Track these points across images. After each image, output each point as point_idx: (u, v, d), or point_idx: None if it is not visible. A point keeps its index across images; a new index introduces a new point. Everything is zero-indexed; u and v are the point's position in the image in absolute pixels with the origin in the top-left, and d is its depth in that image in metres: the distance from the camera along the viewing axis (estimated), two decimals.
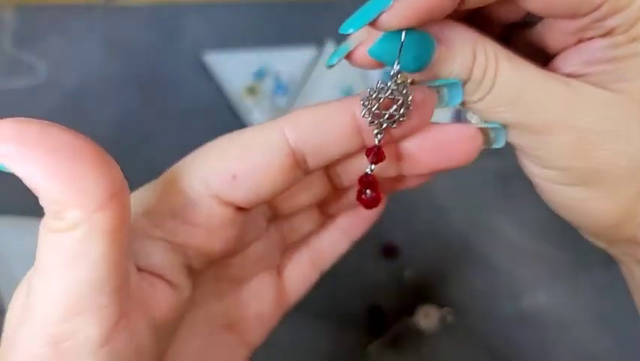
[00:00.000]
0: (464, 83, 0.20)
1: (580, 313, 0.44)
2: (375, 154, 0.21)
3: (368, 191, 0.22)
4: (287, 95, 0.55)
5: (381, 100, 0.20)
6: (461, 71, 0.20)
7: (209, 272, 0.23)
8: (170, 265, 0.21)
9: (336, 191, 0.25)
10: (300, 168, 0.21)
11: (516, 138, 0.21)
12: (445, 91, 0.20)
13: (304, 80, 0.55)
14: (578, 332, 0.44)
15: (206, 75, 0.56)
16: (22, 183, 0.45)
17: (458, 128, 0.21)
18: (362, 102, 0.20)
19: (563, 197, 0.21)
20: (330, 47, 0.56)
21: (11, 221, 0.49)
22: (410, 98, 0.20)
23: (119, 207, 0.16)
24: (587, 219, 0.22)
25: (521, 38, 0.23)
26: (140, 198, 0.21)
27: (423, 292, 0.45)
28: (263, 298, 0.26)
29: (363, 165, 0.22)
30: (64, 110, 0.55)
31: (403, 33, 0.19)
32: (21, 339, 0.17)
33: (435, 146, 0.21)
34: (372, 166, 0.21)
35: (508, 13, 0.22)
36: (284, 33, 0.59)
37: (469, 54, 0.19)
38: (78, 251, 0.16)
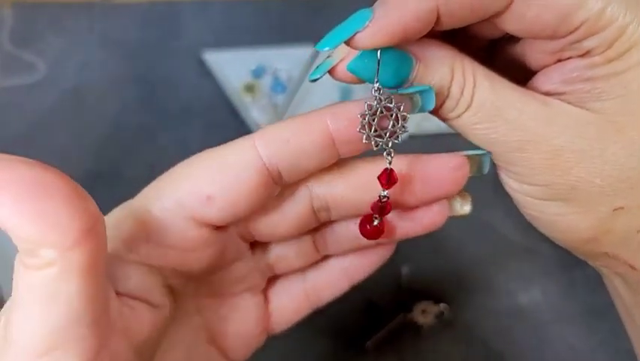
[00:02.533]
0: (443, 100, 0.20)
1: (574, 308, 0.44)
2: (389, 177, 0.21)
3: (375, 221, 0.22)
4: (285, 93, 0.55)
5: (375, 120, 0.20)
6: (439, 88, 0.20)
7: (189, 288, 0.23)
8: (149, 287, 0.21)
9: (327, 226, 0.25)
10: (275, 182, 0.21)
11: (494, 154, 0.21)
12: (418, 97, 0.20)
13: (302, 78, 0.56)
14: (572, 327, 0.44)
15: (205, 73, 0.56)
16: None
17: (446, 158, 0.22)
18: (359, 130, 0.20)
19: (540, 212, 0.22)
20: (330, 49, 0.56)
21: None
22: (402, 108, 0.20)
23: (94, 242, 0.16)
24: (563, 233, 0.22)
25: (504, 53, 0.23)
26: (114, 222, 0.21)
27: (420, 289, 0.45)
28: (243, 319, 0.25)
29: (352, 196, 0.22)
30: (63, 108, 0.55)
31: (379, 51, 0.19)
32: None
33: (423, 177, 0.22)
34: (385, 192, 0.21)
35: (488, 31, 0.22)
36: (282, 31, 0.59)
37: (446, 72, 0.20)
38: (53, 288, 0.16)
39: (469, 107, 0.20)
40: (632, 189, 0.20)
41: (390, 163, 0.21)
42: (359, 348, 0.44)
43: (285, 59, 0.57)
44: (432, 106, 0.20)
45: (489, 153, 0.21)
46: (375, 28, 0.18)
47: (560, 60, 0.21)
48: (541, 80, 0.21)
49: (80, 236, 0.15)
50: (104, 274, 0.17)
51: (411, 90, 0.20)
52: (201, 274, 0.23)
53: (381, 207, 0.22)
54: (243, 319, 0.25)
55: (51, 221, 0.15)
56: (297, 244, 0.25)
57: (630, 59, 0.19)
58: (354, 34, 0.19)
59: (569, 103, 0.20)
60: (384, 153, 0.21)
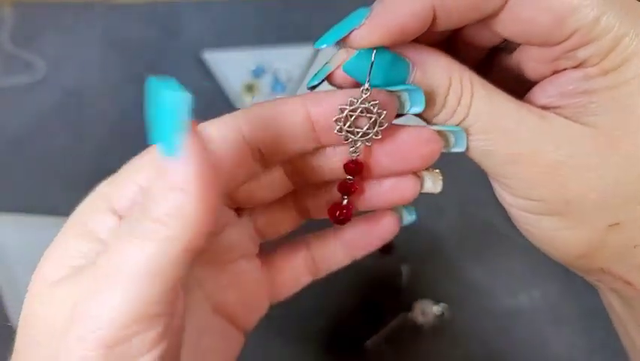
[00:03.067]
0: (439, 109, 0.20)
1: (573, 308, 0.44)
2: (355, 167, 0.21)
3: (344, 201, 0.23)
4: (285, 93, 0.55)
5: (353, 117, 0.20)
6: (436, 97, 0.20)
7: None
8: None
9: (311, 190, 0.25)
10: (257, 160, 0.21)
11: (489, 166, 0.21)
12: (406, 96, 0.20)
13: (302, 78, 0.56)
14: (571, 327, 0.44)
15: (205, 73, 0.56)
16: (22, 184, 0.45)
17: (416, 131, 0.21)
18: (335, 120, 0.20)
19: (535, 227, 0.22)
20: (327, 46, 0.56)
21: (10, 218, 0.50)
22: (383, 116, 0.20)
23: (207, 232, 0.17)
24: (557, 248, 0.22)
25: (500, 67, 0.23)
26: (106, 191, 0.21)
27: (419, 288, 0.45)
28: (243, 285, 0.26)
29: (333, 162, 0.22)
30: (63, 107, 0.55)
31: (373, 51, 0.19)
32: (71, 339, 0.17)
33: (393, 149, 0.22)
34: (352, 179, 0.22)
35: (485, 39, 0.22)
36: (282, 31, 0.59)
37: (444, 80, 0.20)
38: (162, 265, 0.16)
39: (465, 116, 0.20)
40: (627, 205, 0.20)
41: (355, 155, 0.21)
42: (359, 347, 0.44)
43: (285, 59, 0.57)
44: (421, 107, 0.20)
45: (462, 129, 0.21)
46: (371, 26, 0.19)
47: (555, 72, 0.21)
48: (537, 94, 0.21)
49: (212, 226, 0.16)
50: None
51: (399, 87, 0.20)
52: None
53: (348, 187, 0.22)
54: (242, 285, 0.26)
55: (210, 202, 0.16)
56: (280, 209, 0.26)
57: (626, 73, 0.19)
58: (351, 32, 0.19)
59: (565, 117, 0.20)
60: (350, 149, 0.21)
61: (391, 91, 0.20)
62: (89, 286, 0.17)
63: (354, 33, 0.19)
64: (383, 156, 0.22)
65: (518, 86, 0.22)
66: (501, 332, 0.44)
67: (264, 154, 0.21)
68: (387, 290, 0.45)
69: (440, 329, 0.44)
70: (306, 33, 0.58)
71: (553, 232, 0.21)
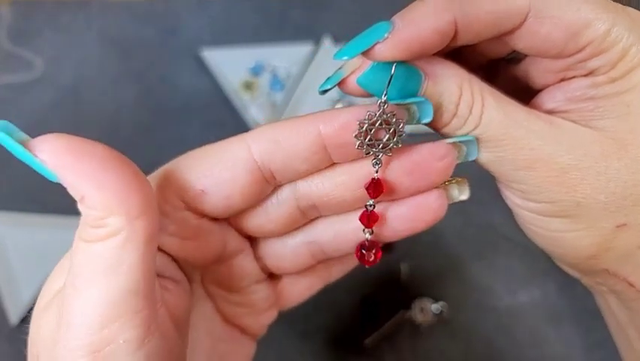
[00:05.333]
0: (450, 118, 0.20)
1: (572, 307, 0.44)
2: (376, 186, 0.21)
3: (367, 235, 0.22)
4: (283, 91, 0.55)
5: (373, 131, 0.20)
6: (447, 105, 0.20)
7: (195, 275, 0.24)
8: (166, 265, 0.22)
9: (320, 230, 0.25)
10: (268, 181, 0.21)
11: (500, 173, 0.21)
12: (415, 108, 0.20)
13: (301, 76, 0.56)
14: (571, 326, 0.44)
15: (203, 71, 0.56)
16: (19, 181, 0.45)
17: (431, 146, 0.21)
18: (354, 135, 0.20)
19: (544, 228, 0.22)
20: (326, 43, 0.56)
21: (9, 216, 0.50)
22: (401, 125, 0.20)
23: (154, 214, 0.18)
24: (565, 250, 0.22)
25: (506, 73, 0.24)
26: None
27: (418, 287, 0.45)
28: (254, 303, 0.26)
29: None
30: (61, 105, 0.55)
31: (394, 65, 0.19)
32: (58, 356, 0.17)
33: (411, 167, 0.21)
34: (372, 201, 0.21)
35: (494, 50, 0.23)
36: (281, 29, 0.59)
37: (455, 90, 0.20)
38: (116, 258, 0.17)
39: (477, 126, 0.20)
40: (634, 206, 0.21)
41: (377, 172, 0.21)
42: (358, 345, 0.44)
43: (284, 57, 0.57)
44: (429, 118, 0.20)
45: (474, 138, 0.21)
46: (395, 40, 0.19)
47: (563, 79, 0.21)
48: (544, 99, 0.22)
49: (145, 207, 0.17)
50: (156, 248, 0.18)
51: (408, 101, 0.20)
52: (204, 263, 0.23)
53: (369, 217, 0.22)
54: (252, 303, 0.26)
55: (124, 192, 0.17)
56: (291, 250, 0.25)
57: (634, 79, 0.20)
58: (374, 46, 0.19)
59: (572, 121, 0.21)
60: (372, 162, 0.21)
61: (401, 104, 0.20)
62: (64, 296, 0.18)
63: (377, 47, 0.19)
64: (402, 175, 0.22)
65: (522, 93, 0.22)
66: (500, 330, 0.44)
67: (276, 175, 0.21)
68: (387, 288, 0.46)
69: (439, 327, 0.44)
70: (304, 31, 0.58)
71: (561, 234, 0.22)
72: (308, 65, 0.56)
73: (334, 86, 0.21)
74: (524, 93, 0.22)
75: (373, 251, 0.23)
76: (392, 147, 0.20)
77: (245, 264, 0.25)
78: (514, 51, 0.22)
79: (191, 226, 0.22)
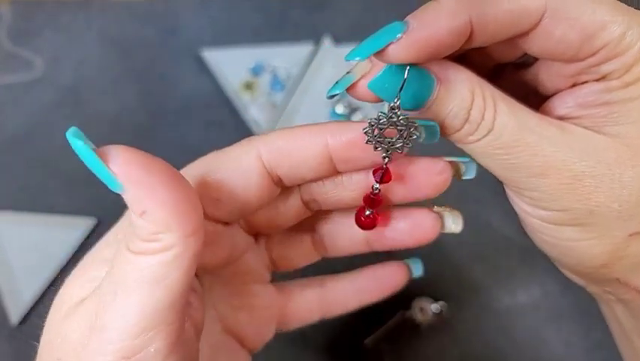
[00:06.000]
0: (462, 123, 0.20)
1: (572, 307, 0.44)
2: (384, 174, 0.21)
3: (367, 212, 0.23)
4: (284, 91, 0.55)
5: (383, 130, 0.20)
6: (459, 111, 0.20)
7: (205, 281, 0.25)
8: None
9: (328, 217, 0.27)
10: (276, 185, 0.22)
11: (512, 180, 0.21)
12: (422, 130, 0.20)
13: (301, 76, 0.56)
14: (570, 325, 0.44)
15: (204, 71, 0.56)
16: (20, 180, 0.45)
17: (428, 162, 0.22)
18: (364, 131, 0.20)
19: (555, 237, 0.22)
20: (326, 44, 0.56)
21: (9, 216, 0.50)
22: (412, 128, 0.20)
23: (202, 235, 0.18)
24: (577, 259, 0.22)
25: (513, 77, 0.23)
26: (120, 225, 0.23)
27: (418, 286, 0.45)
28: (254, 309, 0.27)
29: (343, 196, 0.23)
30: (62, 105, 0.55)
31: (407, 68, 0.19)
32: (90, 357, 0.18)
33: (408, 180, 0.22)
34: (377, 185, 0.22)
35: (504, 54, 0.22)
36: (281, 29, 0.59)
37: (467, 95, 0.20)
38: (162, 272, 0.17)
39: (490, 131, 0.20)
40: None
41: (385, 164, 0.21)
42: (358, 345, 0.44)
43: (284, 57, 0.57)
44: (435, 140, 0.20)
45: (473, 160, 0.21)
46: (409, 41, 0.18)
47: (575, 84, 0.21)
48: (555, 104, 0.21)
49: (197, 226, 0.18)
50: (196, 266, 0.19)
51: (417, 123, 0.20)
52: (216, 267, 0.24)
53: (373, 200, 0.22)
54: (253, 309, 0.27)
55: (182, 209, 0.17)
56: (297, 242, 0.27)
57: None
58: (387, 46, 0.18)
59: (585, 127, 0.20)
60: (382, 154, 0.21)
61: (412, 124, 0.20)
62: (100, 302, 0.18)
63: (391, 47, 0.18)
64: (399, 187, 0.23)
65: (530, 98, 0.22)
66: (500, 330, 0.44)
67: (284, 180, 0.22)
68: None
69: (439, 327, 0.44)
70: (304, 31, 0.58)
71: (573, 243, 0.21)
72: (308, 65, 0.56)
73: (344, 90, 0.20)
74: (532, 98, 0.22)
75: (371, 214, 0.23)
76: (402, 147, 0.20)
77: (250, 260, 0.26)
78: (524, 55, 0.22)
79: (207, 232, 0.22)
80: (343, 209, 0.25)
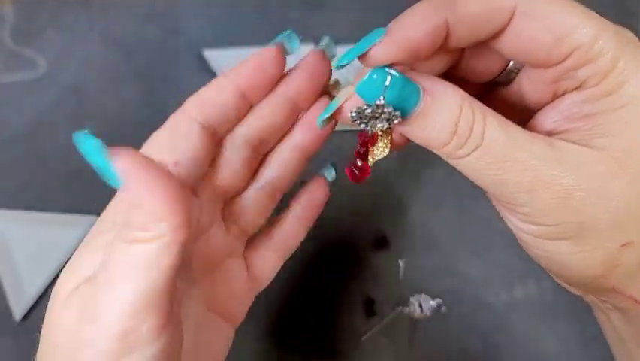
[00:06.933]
0: (450, 136, 0.20)
1: (568, 302, 0.44)
2: (372, 139, 0.23)
3: (358, 164, 0.25)
4: None
5: (369, 117, 0.21)
6: (447, 122, 0.20)
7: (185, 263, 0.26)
8: None
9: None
10: (214, 137, 0.26)
11: (502, 195, 0.21)
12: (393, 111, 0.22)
13: None
14: (566, 321, 0.44)
15: (205, 71, 0.56)
16: (22, 178, 0.46)
17: (313, 53, 0.29)
18: (351, 114, 0.22)
19: (549, 251, 0.22)
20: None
21: (12, 214, 0.50)
22: (397, 118, 0.21)
23: (191, 228, 0.20)
24: (571, 271, 0.22)
25: (499, 98, 0.24)
26: (113, 211, 0.24)
27: (416, 283, 0.46)
28: (233, 283, 0.28)
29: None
30: (63, 104, 0.55)
31: (390, 71, 0.20)
32: (86, 341, 0.19)
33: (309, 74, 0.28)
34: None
35: (486, 67, 0.23)
36: (281, 29, 0.59)
37: (455, 107, 0.20)
38: (153, 259, 0.19)
39: (478, 146, 0.20)
40: (639, 225, 0.20)
41: (374, 131, 0.22)
42: (356, 342, 0.44)
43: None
44: (414, 105, 0.21)
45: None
46: (388, 42, 0.20)
47: (556, 96, 0.21)
48: (541, 120, 0.22)
49: (187, 218, 0.19)
50: (184, 254, 0.20)
51: (399, 113, 0.21)
52: (191, 241, 0.25)
53: (364, 154, 0.24)
54: (231, 283, 0.28)
55: (173, 202, 0.19)
56: (254, 198, 0.28)
57: (627, 93, 0.19)
58: (369, 49, 0.20)
59: (572, 142, 0.20)
60: (370, 130, 0.22)
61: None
62: (97, 287, 0.20)
63: (372, 50, 0.20)
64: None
65: (517, 116, 0.22)
66: (497, 325, 0.45)
67: (217, 129, 0.26)
68: (384, 285, 0.46)
69: (436, 323, 0.44)
70: (305, 31, 0.58)
71: (566, 256, 0.21)
72: None
73: (332, 114, 0.23)
74: (519, 117, 0.22)
75: (360, 167, 0.25)
76: (387, 125, 0.21)
77: (219, 235, 0.27)
78: (504, 70, 0.23)
79: None
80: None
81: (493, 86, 0.24)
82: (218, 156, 0.27)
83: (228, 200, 0.28)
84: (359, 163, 0.25)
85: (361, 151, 0.24)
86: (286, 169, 0.28)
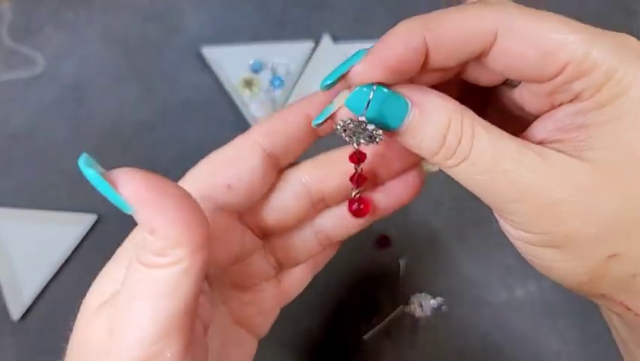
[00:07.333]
0: (439, 148, 0.21)
1: (569, 301, 0.44)
2: (357, 155, 0.24)
3: (355, 194, 0.25)
4: (283, 88, 0.55)
5: (353, 131, 0.22)
6: (435, 134, 0.20)
7: (215, 278, 0.26)
8: None
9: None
10: (275, 167, 0.25)
11: (492, 203, 0.22)
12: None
13: (300, 74, 0.56)
14: (567, 320, 0.44)
15: (204, 68, 0.56)
16: (21, 177, 0.46)
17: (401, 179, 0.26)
18: (335, 125, 0.22)
19: (537, 257, 0.22)
20: (326, 42, 0.56)
21: (11, 212, 0.50)
22: (379, 136, 0.21)
23: (208, 249, 0.19)
24: (558, 278, 0.22)
25: (503, 101, 0.24)
26: None
27: (417, 282, 0.46)
28: (263, 301, 0.28)
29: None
30: (62, 102, 0.55)
31: (373, 87, 0.20)
32: (114, 358, 0.19)
33: (393, 152, 0.25)
34: (359, 167, 0.24)
35: (487, 77, 0.23)
36: (281, 26, 0.59)
37: (444, 119, 0.20)
38: (174, 284, 0.18)
39: (466, 158, 0.20)
40: (626, 238, 0.20)
41: (357, 146, 0.23)
42: (357, 340, 0.44)
43: (284, 54, 0.57)
44: (399, 122, 0.21)
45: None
46: (368, 61, 0.20)
47: (553, 107, 0.21)
48: (537, 128, 0.22)
49: (204, 241, 0.19)
50: (204, 275, 0.20)
51: (381, 133, 0.21)
52: (225, 264, 0.25)
53: (358, 177, 0.25)
54: (262, 302, 0.28)
55: (190, 228, 0.18)
56: (302, 241, 0.28)
57: (622, 106, 0.19)
58: (350, 69, 0.20)
59: (565, 153, 0.20)
60: (353, 143, 0.23)
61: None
62: (118, 310, 0.19)
63: (352, 70, 0.20)
64: (388, 159, 0.26)
65: (518, 121, 0.22)
66: (497, 325, 0.45)
67: (280, 159, 0.25)
68: (385, 284, 0.46)
69: (437, 322, 0.44)
70: (304, 29, 0.58)
71: (554, 263, 0.22)
72: (307, 62, 0.56)
73: (326, 119, 0.23)
74: (520, 122, 0.22)
75: (361, 206, 0.26)
76: (370, 141, 0.22)
77: (258, 262, 0.27)
78: (507, 80, 0.23)
79: (219, 224, 0.24)
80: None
81: (499, 87, 0.24)
82: (275, 188, 0.26)
83: (276, 233, 0.27)
84: (354, 194, 0.25)
85: (358, 175, 0.25)
86: (346, 228, 0.28)
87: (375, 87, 0.20)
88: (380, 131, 0.21)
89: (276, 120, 0.25)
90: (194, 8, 0.60)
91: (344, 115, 0.22)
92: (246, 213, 0.25)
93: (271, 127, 0.24)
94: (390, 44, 0.20)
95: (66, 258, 0.48)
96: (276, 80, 0.56)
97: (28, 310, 0.46)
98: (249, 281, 0.27)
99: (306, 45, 0.57)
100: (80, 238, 0.49)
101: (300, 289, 0.30)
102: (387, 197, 0.27)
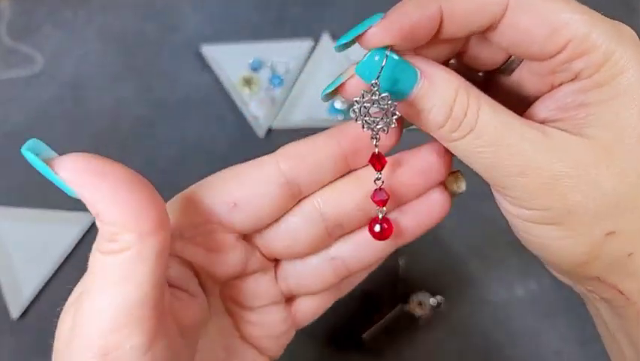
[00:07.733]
0: (445, 120, 0.21)
1: (569, 300, 0.44)
2: (377, 159, 0.23)
3: (380, 215, 0.24)
4: (282, 87, 0.55)
5: (368, 108, 0.21)
6: (442, 106, 0.21)
7: (215, 289, 0.25)
8: (185, 277, 0.23)
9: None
10: (293, 196, 0.24)
11: (494, 178, 0.22)
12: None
13: (300, 72, 0.56)
14: (566, 319, 0.44)
15: (203, 66, 0.56)
16: (20, 176, 0.46)
17: (430, 147, 0.24)
18: (351, 110, 0.21)
19: (535, 235, 0.22)
20: (325, 40, 0.56)
21: (9, 211, 0.50)
22: (394, 108, 0.21)
23: (165, 234, 0.19)
24: (556, 257, 0.23)
25: (500, 86, 0.24)
26: None
27: (416, 281, 0.46)
28: (271, 324, 0.27)
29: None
30: (61, 100, 0.55)
31: (386, 52, 0.21)
32: (72, 354, 0.19)
33: (413, 169, 0.24)
34: (379, 174, 0.23)
35: (487, 58, 0.23)
36: (280, 25, 0.59)
37: (451, 91, 0.21)
38: (127, 271, 0.18)
39: (472, 129, 0.21)
40: (623, 215, 0.21)
41: (377, 147, 0.22)
42: (356, 339, 0.44)
43: (283, 53, 0.57)
44: (409, 89, 0.21)
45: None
46: (385, 24, 0.20)
47: (553, 87, 0.22)
48: (538, 108, 0.22)
49: (156, 225, 0.18)
50: (167, 264, 0.20)
51: (396, 102, 0.21)
52: (225, 278, 0.25)
53: (379, 189, 0.23)
54: (269, 325, 0.27)
55: (136, 211, 0.18)
56: (314, 270, 0.26)
57: (619, 86, 0.20)
58: (367, 30, 0.20)
59: (565, 130, 0.21)
60: (371, 138, 0.22)
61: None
62: (80, 301, 0.19)
63: (369, 31, 0.20)
64: (415, 177, 0.24)
65: (517, 105, 0.23)
66: (497, 323, 0.45)
67: (302, 188, 0.24)
68: (384, 282, 0.46)
69: (437, 320, 0.44)
70: (303, 28, 0.58)
71: (552, 241, 0.22)
72: (306, 61, 0.56)
73: (335, 90, 0.22)
74: (519, 106, 0.23)
75: (385, 226, 0.24)
76: (387, 125, 0.22)
77: (261, 284, 0.26)
78: (507, 61, 0.23)
79: (217, 239, 0.23)
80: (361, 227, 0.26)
81: (496, 75, 0.25)
82: (288, 215, 0.24)
83: (285, 258, 0.26)
84: (380, 215, 0.24)
85: (380, 188, 0.23)
86: (364, 252, 0.26)
87: (388, 54, 0.21)
88: (395, 104, 0.21)
89: (305, 144, 0.23)
90: (193, 7, 0.60)
91: (354, 84, 0.22)
92: (253, 233, 0.25)
93: (298, 151, 0.23)
94: (408, 10, 0.20)
95: (65, 257, 0.48)
96: (276, 79, 0.56)
97: (27, 308, 0.46)
98: (252, 301, 0.26)
99: (306, 44, 0.57)
100: (79, 237, 0.49)
101: (318, 314, 0.28)
102: (412, 219, 0.25)
